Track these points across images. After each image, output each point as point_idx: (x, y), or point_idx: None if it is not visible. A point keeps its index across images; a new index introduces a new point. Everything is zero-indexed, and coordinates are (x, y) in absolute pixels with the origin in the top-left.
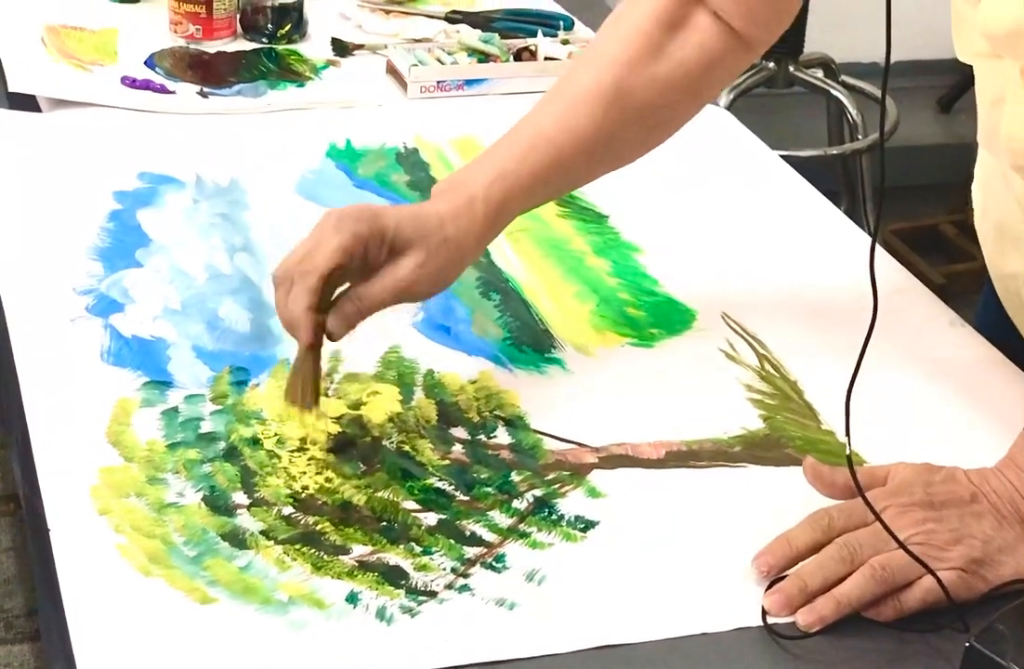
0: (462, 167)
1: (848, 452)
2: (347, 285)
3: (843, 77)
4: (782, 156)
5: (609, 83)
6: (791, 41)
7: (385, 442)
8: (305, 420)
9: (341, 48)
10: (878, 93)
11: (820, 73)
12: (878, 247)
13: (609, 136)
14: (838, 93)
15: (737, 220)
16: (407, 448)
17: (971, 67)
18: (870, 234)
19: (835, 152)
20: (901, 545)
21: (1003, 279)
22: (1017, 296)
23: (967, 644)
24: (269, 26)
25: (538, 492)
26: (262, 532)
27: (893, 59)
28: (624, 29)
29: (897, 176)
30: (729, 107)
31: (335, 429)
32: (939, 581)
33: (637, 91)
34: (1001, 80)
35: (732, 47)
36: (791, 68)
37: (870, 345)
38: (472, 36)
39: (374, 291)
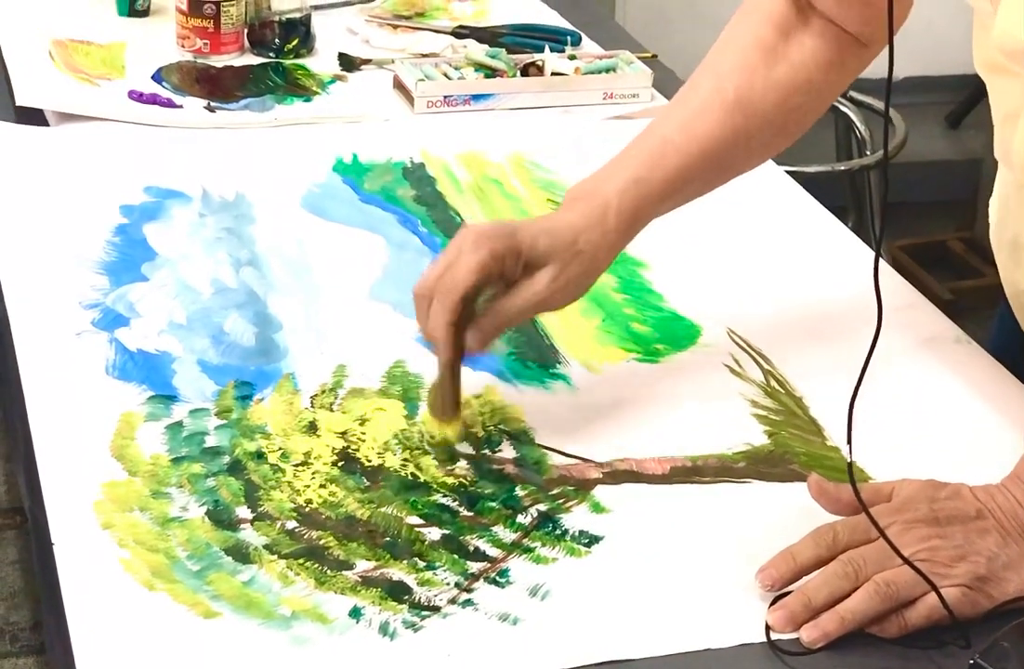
0: (592, 174)
1: (849, 461)
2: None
3: (851, 93)
4: (790, 171)
5: (731, 90)
6: None
7: (389, 458)
8: (448, 432)
9: (348, 63)
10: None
11: None
12: (883, 264)
13: (734, 142)
14: (846, 109)
15: (743, 236)
16: (411, 464)
17: (981, 83)
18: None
19: (843, 168)
20: (906, 561)
21: (1018, 295)
22: None
23: (971, 661)
24: (276, 41)
25: (542, 507)
26: (266, 547)
27: (902, 75)
28: (741, 37)
29: (905, 192)
30: None
31: (340, 444)
32: (941, 598)
33: (758, 96)
34: (1015, 95)
35: (848, 47)
36: None
37: (876, 361)
38: (479, 51)
39: (511, 306)
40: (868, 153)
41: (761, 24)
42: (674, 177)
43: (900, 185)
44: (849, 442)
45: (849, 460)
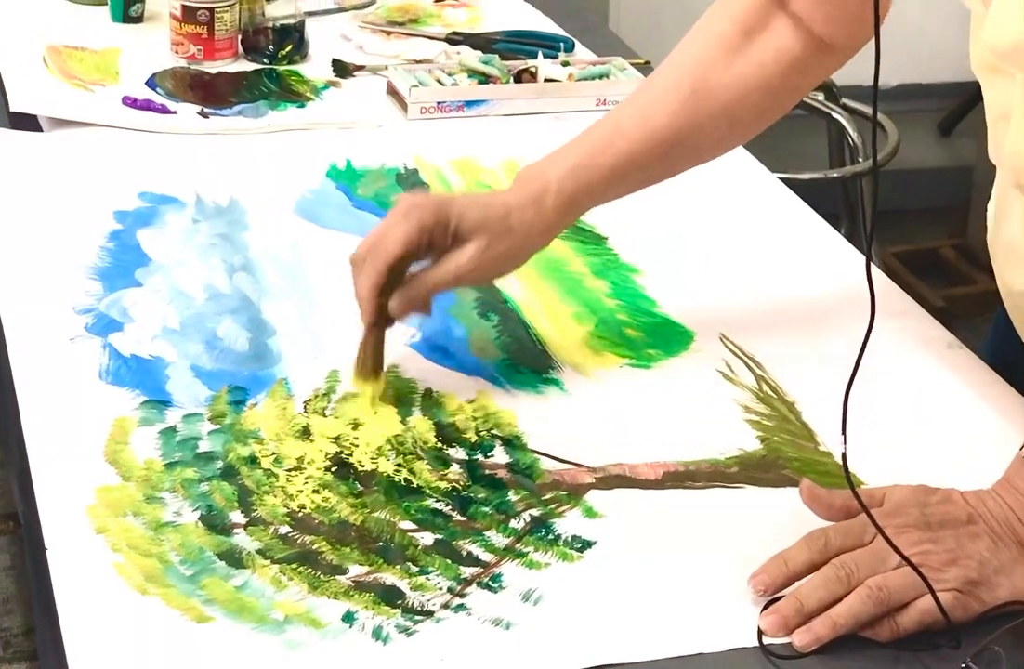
0: (542, 158)
1: (844, 452)
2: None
3: (844, 100)
4: (783, 178)
5: (687, 83)
6: None
7: (383, 463)
8: (369, 390)
9: (342, 69)
10: (879, 116)
11: (821, 96)
12: (876, 270)
13: (686, 134)
14: (839, 116)
15: (736, 242)
16: (404, 469)
17: (973, 90)
18: (868, 256)
19: (835, 175)
20: (907, 560)
21: (1012, 297)
22: None
23: (962, 665)
24: (270, 47)
25: (535, 512)
26: (259, 551)
27: (894, 82)
28: (705, 33)
29: (897, 199)
30: None
31: (333, 449)
32: (937, 601)
33: (715, 91)
34: (1008, 96)
35: (814, 51)
36: None
37: (868, 367)
38: (472, 57)
39: (435, 275)
40: (861, 160)
41: (726, 21)
42: (619, 165)
43: (893, 192)
44: (844, 431)
45: (844, 461)
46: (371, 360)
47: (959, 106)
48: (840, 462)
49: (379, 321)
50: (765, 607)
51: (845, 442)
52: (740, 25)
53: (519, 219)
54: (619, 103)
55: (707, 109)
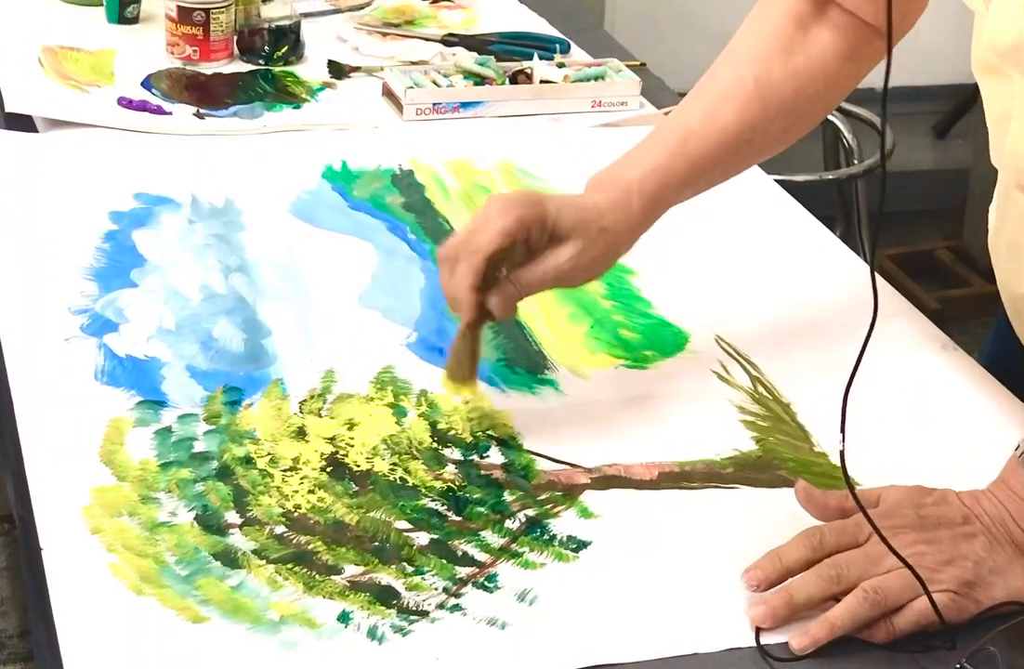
0: (612, 163)
1: (843, 463)
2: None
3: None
4: (778, 180)
5: (750, 78)
6: None
7: (378, 463)
8: (464, 394)
9: (337, 70)
10: (874, 119)
11: None
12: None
13: (753, 129)
14: (834, 118)
15: (731, 244)
16: (400, 469)
17: (968, 93)
18: (865, 259)
19: (831, 177)
20: (904, 562)
21: (1015, 299)
22: None
23: (958, 666)
24: (266, 48)
25: (530, 512)
26: (254, 551)
27: (889, 85)
28: (759, 28)
29: (892, 202)
30: None
31: (328, 449)
32: (933, 603)
33: (777, 85)
34: (1008, 97)
35: (865, 38)
36: None
37: (864, 368)
38: (468, 59)
39: (534, 275)
40: (856, 162)
41: (779, 16)
42: (695, 164)
43: (887, 194)
44: (842, 430)
45: (843, 464)
46: (468, 361)
47: (954, 108)
48: (837, 463)
49: (477, 320)
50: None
51: (844, 441)
52: (793, 19)
53: (612, 220)
54: (681, 103)
55: (772, 103)
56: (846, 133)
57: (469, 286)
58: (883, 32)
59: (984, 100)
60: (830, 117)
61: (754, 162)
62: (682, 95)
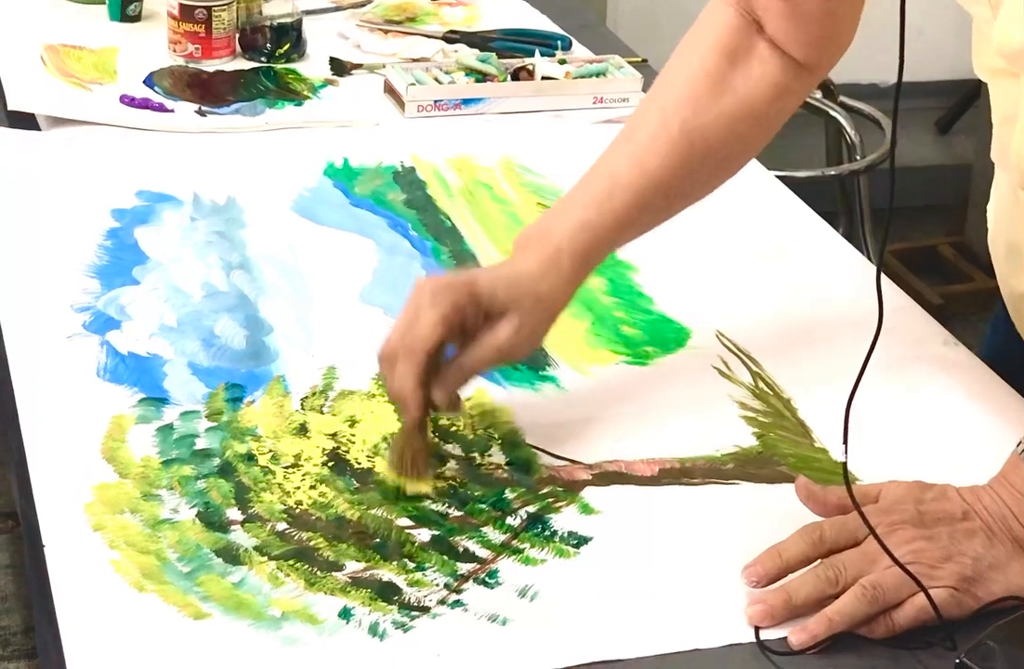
0: (540, 218)
1: (844, 461)
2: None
3: (842, 98)
4: (781, 176)
5: (677, 125)
6: None
7: (379, 461)
8: (422, 488)
9: (339, 67)
10: (877, 114)
11: (819, 94)
12: (871, 267)
13: (682, 176)
14: (837, 114)
15: (732, 239)
16: None
17: (970, 88)
18: (867, 255)
19: (833, 173)
20: (898, 563)
21: (1015, 298)
22: None
23: (956, 660)
24: (268, 45)
25: (531, 508)
26: (256, 548)
27: (892, 81)
28: (688, 65)
29: (895, 197)
30: None
31: (330, 446)
32: (931, 601)
33: (706, 129)
34: (1014, 98)
35: (795, 74)
36: None
37: (862, 362)
38: (470, 56)
39: (475, 358)
40: (858, 158)
41: (708, 51)
42: (623, 216)
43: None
44: (845, 439)
45: (844, 460)
46: (421, 457)
47: (957, 104)
48: (837, 459)
49: (424, 416)
50: None
51: (846, 441)
52: (722, 54)
53: (545, 288)
54: (608, 147)
55: (700, 147)
56: (848, 129)
57: (413, 385)
58: (808, 68)
59: (992, 100)
60: (832, 112)
61: (685, 206)
62: None
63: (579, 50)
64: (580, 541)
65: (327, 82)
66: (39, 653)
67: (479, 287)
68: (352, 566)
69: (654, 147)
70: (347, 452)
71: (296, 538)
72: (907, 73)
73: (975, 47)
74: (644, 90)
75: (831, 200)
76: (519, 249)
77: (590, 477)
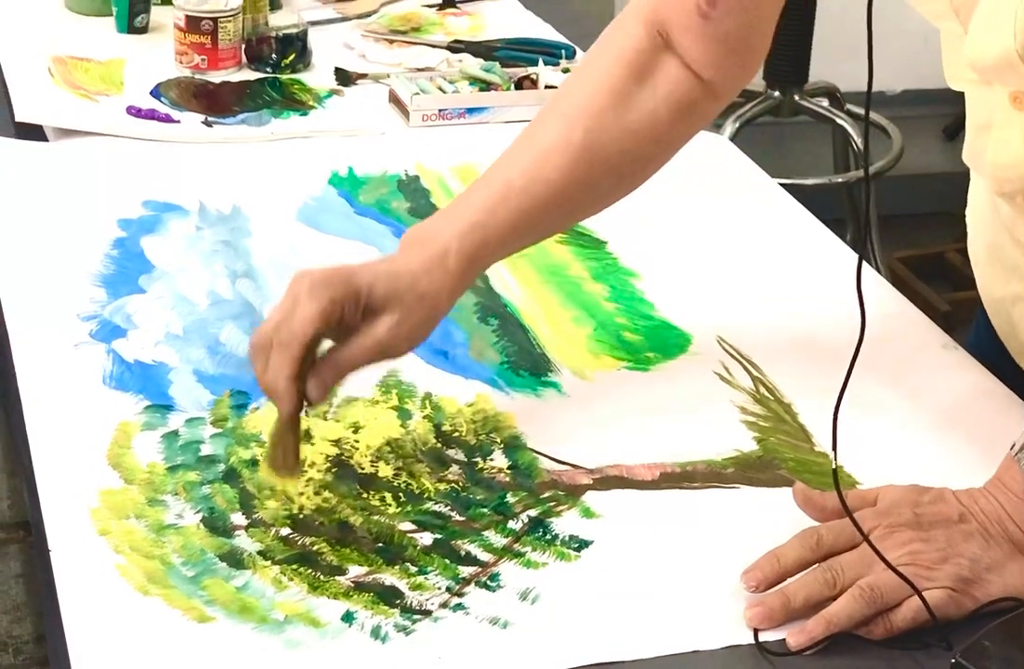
0: (431, 217)
1: (834, 468)
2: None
3: (848, 106)
4: (788, 184)
5: (579, 135)
6: (795, 70)
7: (382, 467)
8: (287, 486)
9: (344, 77)
10: (883, 121)
11: (825, 102)
12: (873, 273)
13: (578, 187)
14: (843, 122)
15: (733, 246)
16: (404, 473)
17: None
18: (874, 262)
19: (840, 180)
20: (890, 567)
21: (994, 303)
22: (1009, 320)
23: (952, 660)
24: (273, 56)
25: (533, 512)
26: (260, 552)
27: (899, 89)
28: (594, 78)
29: (903, 204)
30: (735, 136)
31: (333, 452)
32: (926, 603)
33: (606, 143)
34: (989, 106)
35: (700, 96)
36: (796, 97)
37: (863, 367)
38: (474, 65)
39: (352, 354)
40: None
41: (615, 65)
42: (515, 222)
43: (898, 197)
44: (834, 448)
45: (834, 467)
46: (292, 452)
47: (963, 111)
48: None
49: (296, 410)
50: None
51: (835, 447)
52: (629, 67)
53: (428, 285)
54: (506, 152)
55: (598, 161)
56: (855, 136)
57: (287, 377)
58: (715, 93)
59: (967, 108)
60: (839, 121)
61: (582, 218)
62: None
63: (583, 59)
64: (581, 545)
65: (332, 92)
66: (50, 661)
67: (359, 281)
68: (355, 570)
69: (553, 156)
70: (350, 458)
71: (299, 543)
72: (914, 81)
73: (946, 59)
74: None
75: (839, 207)
76: (406, 246)
77: (591, 481)
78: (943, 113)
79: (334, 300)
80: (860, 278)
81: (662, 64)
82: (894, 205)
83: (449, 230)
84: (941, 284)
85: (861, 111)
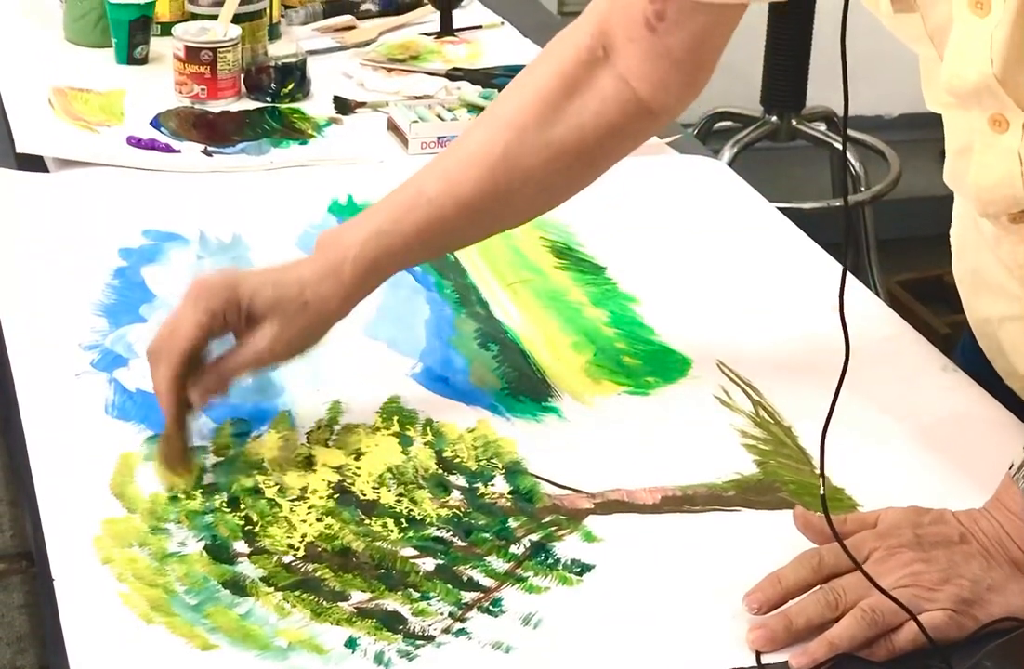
0: (343, 223)
1: (822, 491)
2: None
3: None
4: (786, 208)
5: (500, 147)
6: (793, 95)
7: (384, 493)
8: (178, 482)
9: (343, 106)
10: (880, 146)
11: (823, 126)
12: (872, 296)
13: (494, 200)
14: (840, 145)
15: (732, 270)
16: (406, 499)
17: None
18: (873, 286)
19: (838, 204)
20: (885, 593)
21: (979, 323)
22: (994, 339)
23: None
24: (272, 85)
25: (534, 537)
26: (262, 579)
27: (896, 113)
28: (525, 90)
29: (901, 227)
30: (732, 160)
31: (336, 478)
32: (921, 627)
33: (527, 156)
34: (968, 129)
35: (635, 115)
36: (794, 121)
37: (862, 390)
38: (472, 92)
39: (234, 361)
40: (863, 189)
41: (550, 75)
42: (421, 231)
43: (896, 220)
44: (822, 474)
45: (822, 492)
46: (179, 451)
47: None
48: (837, 485)
49: (182, 411)
50: None
51: (824, 483)
52: (563, 80)
53: (314, 293)
54: (428, 162)
55: (517, 174)
56: (853, 160)
57: (168, 380)
58: (652, 111)
59: (946, 131)
60: (836, 145)
61: (498, 230)
62: (686, 126)
63: None
64: (583, 569)
65: (331, 121)
66: None
67: (241, 290)
68: (358, 596)
69: (470, 168)
70: (352, 484)
71: (302, 569)
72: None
73: (924, 83)
74: None
75: (837, 231)
76: (315, 249)
77: (592, 506)
78: (940, 136)
79: (214, 312)
80: (843, 298)
81: (597, 79)
82: (892, 228)
83: (353, 237)
84: (940, 307)
85: (858, 135)
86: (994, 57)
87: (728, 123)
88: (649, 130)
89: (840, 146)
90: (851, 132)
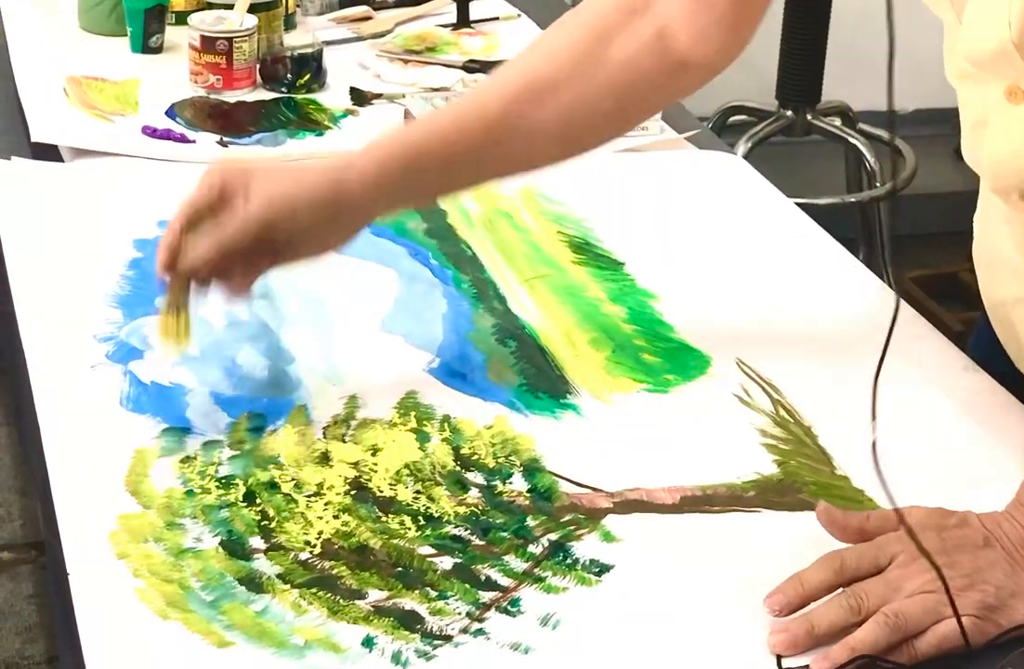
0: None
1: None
2: None
3: (860, 125)
4: (801, 203)
5: (527, 77)
6: (808, 90)
7: (401, 490)
8: (175, 350)
9: (359, 97)
10: (896, 141)
11: (838, 121)
12: (891, 293)
13: (515, 129)
14: (856, 141)
15: (752, 267)
16: (423, 496)
17: None
18: (888, 281)
19: (853, 199)
20: (938, 572)
21: (995, 306)
22: (1008, 322)
23: None
24: (288, 76)
25: (553, 536)
26: (279, 576)
27: (911, 108)
28: (563, 31)
29: (916, 224)
30: (747, 155)
31: (352, 474)
32: (962, 628)
33: (553, 87)
34: (984, 102)
35: (670, 66)
36: (809, 116)
37: (884, 389)
38: None
39: (230, 225)
40: (878, 185)
41: (591, 19)
42: (445, 133)
43: (911, 217)
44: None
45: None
46: (178, 315)
47: None
48: (858, 486)
49: (181, 280)
50: None
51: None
52: (602, 26)
53: (318, 164)
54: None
55: (547, 103)
56: (868, 156)
57: (172, 238)
58: (687, 64)
59: (960, 105)
60: (851, 140)
61: (506, 170)
62: (702, 119)
63: None
64: (602, 569)
65: (347, 112)
66: None
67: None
68: (375, 594)
69: (500, 89)
70: (369, 480)
71: (319, 566)
72: (925, 100)
73: (946, 51)
74: (663, 118)
75: (852, 226)
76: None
77: (611, 505)
78: (955, 132)
79: (224, 178)
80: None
81: (635, 26)
82: (907, 224)
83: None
84: (954, 304)
85: (873, 130)
86: (1012, 21)
87: (743, 117)
88: (682, 84)
89: (855, 141)
90: (865, 127)
